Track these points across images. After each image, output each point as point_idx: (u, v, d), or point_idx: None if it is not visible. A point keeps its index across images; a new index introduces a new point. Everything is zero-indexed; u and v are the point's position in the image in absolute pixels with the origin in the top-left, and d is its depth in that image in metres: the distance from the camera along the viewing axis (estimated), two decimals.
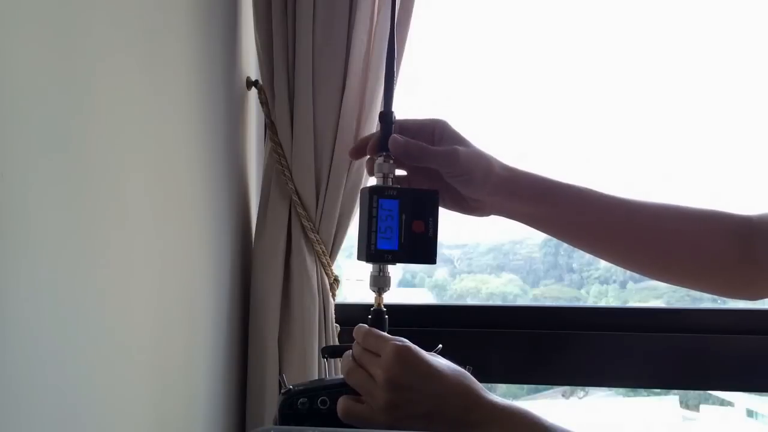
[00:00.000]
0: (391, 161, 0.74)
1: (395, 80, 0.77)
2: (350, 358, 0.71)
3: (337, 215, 1.20)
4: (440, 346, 0.74)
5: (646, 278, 1.47)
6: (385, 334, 0.71)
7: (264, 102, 1.23)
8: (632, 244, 0.81)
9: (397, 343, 0.68)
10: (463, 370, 0.70)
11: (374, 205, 0.70)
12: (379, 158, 0.74)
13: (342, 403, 0.69)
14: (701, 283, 0.84)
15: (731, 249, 0.78)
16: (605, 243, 0.82)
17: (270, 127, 1.21)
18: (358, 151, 0.80)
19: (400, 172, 0.78)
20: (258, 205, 1.25)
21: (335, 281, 1.24)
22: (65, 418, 0.73)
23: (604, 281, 1.69)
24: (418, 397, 0.66)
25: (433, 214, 0.72)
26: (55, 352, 0.70)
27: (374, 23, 1.18)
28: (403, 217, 0.71)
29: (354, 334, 0.73)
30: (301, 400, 0.71)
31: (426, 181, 0.79)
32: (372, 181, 0.76)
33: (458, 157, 0.74)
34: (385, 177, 0.73)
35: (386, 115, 0.74)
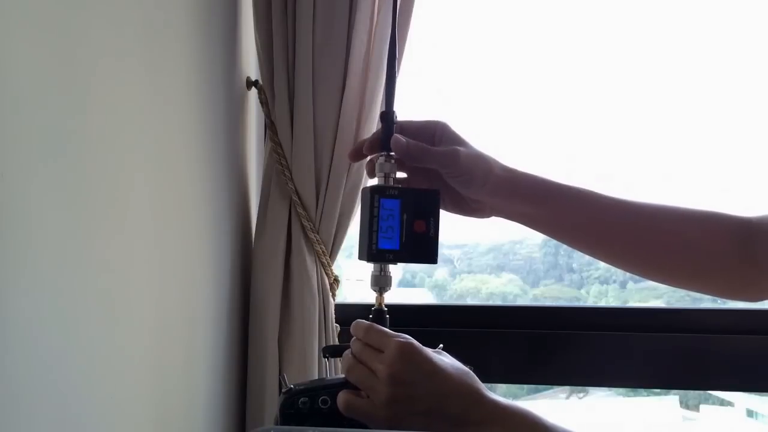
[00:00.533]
0: (393, 161, 0.74)
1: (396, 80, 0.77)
2: (350, 356, 0.71)
3: (337, 215, 1.20)
4: (441, 345, 0.74)
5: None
6: (388, 330, 0.71)
7: (264, 102, 1.23)
8: (631, 245, 0.81)
9: (401, 339, 0.68)
10: (466, 368, 0.70)
11: (375, 204, 0.70)
12: (380, 158, 0.74)
13: (343, 396, 0.69)
14: (701, 285, 0.84)
15: (731, 250, 0.78)
16: (604, 244, 0.82)
17: (270, 127, 1.21)
18: (357, 153, 0.80)
19: (399, 174, 0.79)
20: (258, 205, 1.25)
21: (335, 281, 1.24)
22: (65, 418, 0.73)
23: (604, 281, 1.69)
24: (419, 394, 0.66)
25: (434, 213, 0.72)
26: (55, 352, 0.70)
27: (374, 23, 1.18)
28: (405, 216, 0.71)
29: (353, 330, 0.73)
30: (302, 399, 0.71)
31: (426, 182, 0.79)
32: (373, 181, 0.76)
33: (459, 157, 0.75)
34: (386, 177, 0.73)
35: (388, 115, 0.74)
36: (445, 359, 0.70)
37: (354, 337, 0.73)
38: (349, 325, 0.74)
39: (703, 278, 0.82)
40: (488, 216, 0.82)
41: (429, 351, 0.69)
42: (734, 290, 0.83)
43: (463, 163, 0.75)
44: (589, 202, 0.80)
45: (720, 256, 0.79)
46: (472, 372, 0.70)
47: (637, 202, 0.80)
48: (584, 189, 0.80)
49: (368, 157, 0.80)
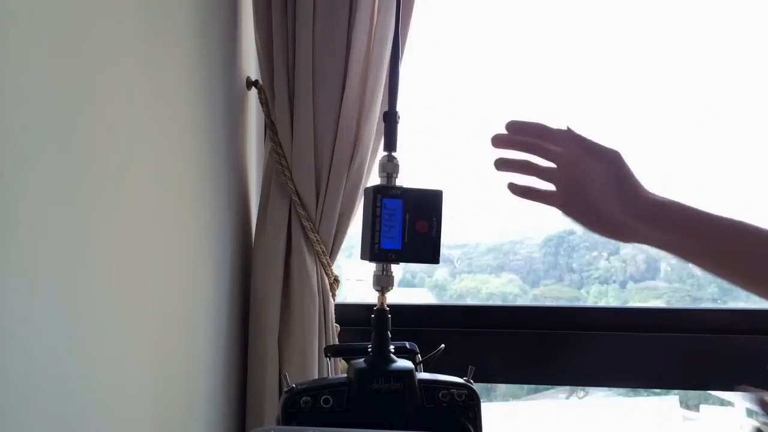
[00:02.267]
0: (395, 161, 0.73)
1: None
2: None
3: (337, 215, 1.20)
4: (443, 346, 0.74)
5: (646, 278, 1.46)
6: None
7: (264, 102, 1.23)
8: None
9: None
10: None
11: (378, 204, 0.70)
12: (383, 158, 0.74)
13: None
14: None
15: None
16: (759, 274, 0.78)
17: (270, 127, 1.21)
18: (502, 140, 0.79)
19: (548, 186, 0.79)
20: (258, 205, 1.25)
21: (335, 281, 1.24)
22: (65, 418, 0.73)
23: (604, 281, 1.69)
24: None
25: (437, 214, 0.72)
26: (55, 351, 0.70)
27: (374, 23, 1.18)
28: (407, 216, 0.70)
29: None
30: (304, 398, 0.71)
31: (574, 194, 0.78)
32: (375, 181, 0.76)
33: (623, 157, 0.76)
34: (389, 177, 0.73)
35: (390, 115, 0.74)
36: None
37: None
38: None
39: None
40: (631, 240, 0.79)
41: None
42: None
43: (628, 166, 0.75)
44: (741, 230, 0.77)
45: None
46: None
47: None
48: (729, 217, 0.77)
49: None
